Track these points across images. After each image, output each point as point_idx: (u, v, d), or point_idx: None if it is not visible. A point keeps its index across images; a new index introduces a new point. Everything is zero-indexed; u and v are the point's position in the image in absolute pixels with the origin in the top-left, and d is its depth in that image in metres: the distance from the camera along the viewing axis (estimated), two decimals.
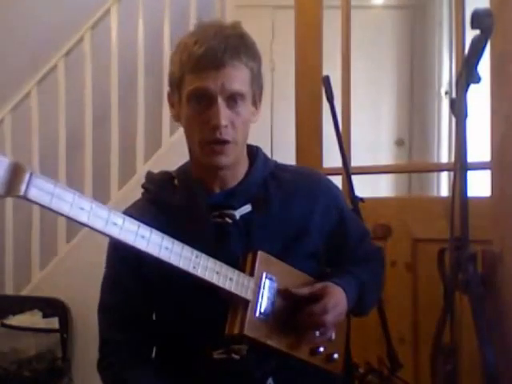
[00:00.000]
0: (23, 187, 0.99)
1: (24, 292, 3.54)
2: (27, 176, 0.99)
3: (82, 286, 3.18)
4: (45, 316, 3.35)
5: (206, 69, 1.29)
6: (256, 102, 1.41)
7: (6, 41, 4.05)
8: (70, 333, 3.37)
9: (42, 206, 1.02)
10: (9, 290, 3.60)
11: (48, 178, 1.03)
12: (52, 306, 3.38)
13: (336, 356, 1.44)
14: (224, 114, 1.31)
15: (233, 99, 1.32)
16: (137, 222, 1.14)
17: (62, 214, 1.04)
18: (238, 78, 1.32)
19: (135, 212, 1.34)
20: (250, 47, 1.37)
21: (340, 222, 1.52)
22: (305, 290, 1.35)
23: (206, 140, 1.33)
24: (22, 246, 3.62)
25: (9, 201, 3.56)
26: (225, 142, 1.33)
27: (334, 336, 1.42)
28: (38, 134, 3.60)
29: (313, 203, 1.46)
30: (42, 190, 1.01)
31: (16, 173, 0.98)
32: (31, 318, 3.33)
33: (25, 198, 1.00)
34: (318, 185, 1.50)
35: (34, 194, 1.00)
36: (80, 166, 3.59)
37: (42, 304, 3.39)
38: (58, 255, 3.55)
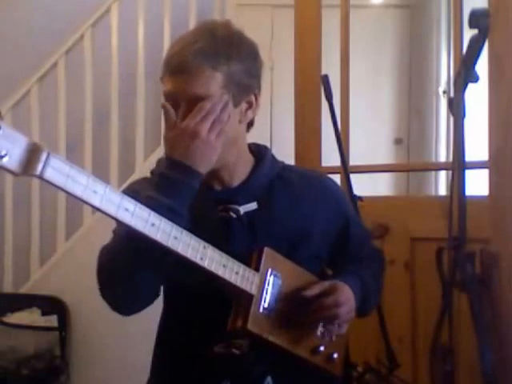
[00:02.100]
0: (40, 167, 0.98)
1: (23, 290, 3.53)
2: (44, 156, 0.99)
3: (81, 284, 3.18)
4: (43, 314, 3.35)
5: (170, 73, 1.29)
6: (238, 102, 1.33)
7: (6, 39, 4.05)
8: (68, 331, 3.37)
9: (57, 187, 1.02)
10: (7, 288, 3.59)
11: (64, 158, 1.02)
12: (51, 304, 3.37)
13: (336, 356, 1.44)
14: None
15: (197, 103, 1.27)
16: (147, 209, 1.14)
17: (75, 196, 1.04)
18: (199, 82, 1.27)
19: None
20: (230, 48, 1.31)
21: (344, 228, 1.52)
22: (315, 290, 1.33)
23: None
24: (21, 243, 3.62)
25: (8, 198, 3.56)
26: None
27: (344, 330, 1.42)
28: (38, 132, 3.60)
29: (317, 207, 1.45)
30: (57, 171, 1.01)
31: (34, 152, 0.98)
32: (30, 316, 3.32)
33: (40, 177, 0.99)
34: (324, 188, 1.50)
35: (49, 174, 1.00)
36: (79, 164, 3.58)
37: (41, 302, 3.38)
38: (57, 253, 3.55)
